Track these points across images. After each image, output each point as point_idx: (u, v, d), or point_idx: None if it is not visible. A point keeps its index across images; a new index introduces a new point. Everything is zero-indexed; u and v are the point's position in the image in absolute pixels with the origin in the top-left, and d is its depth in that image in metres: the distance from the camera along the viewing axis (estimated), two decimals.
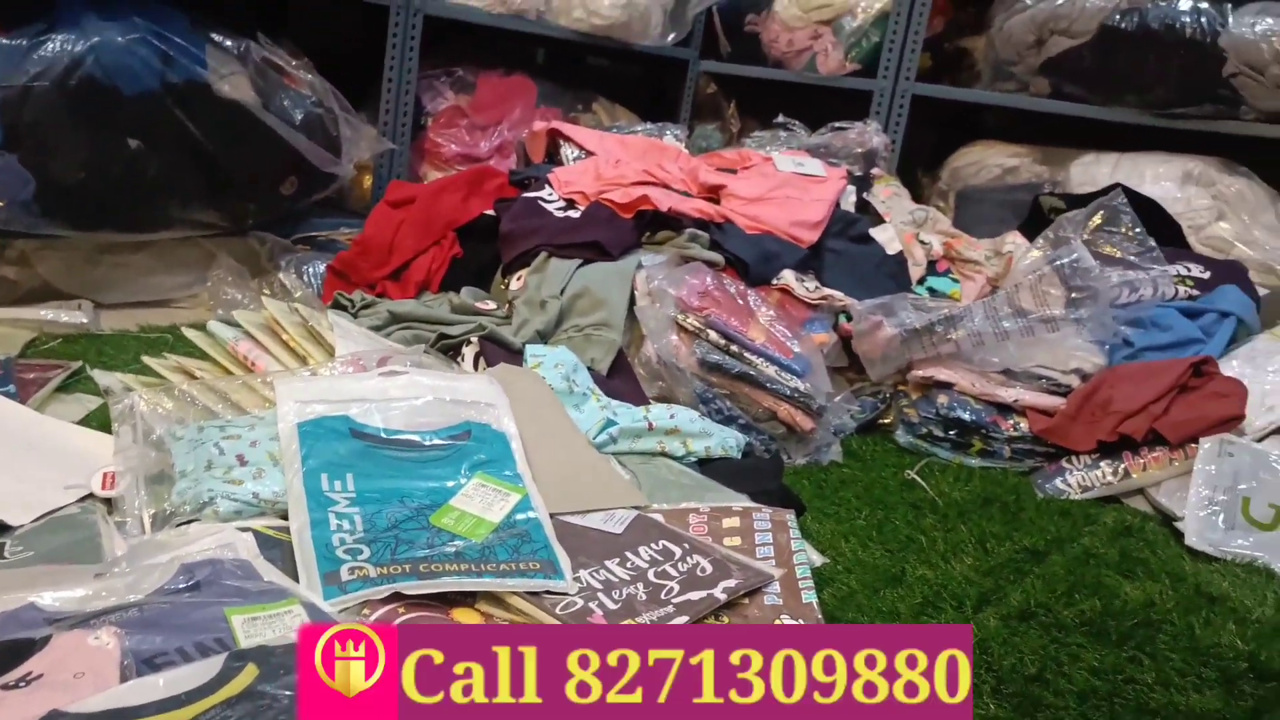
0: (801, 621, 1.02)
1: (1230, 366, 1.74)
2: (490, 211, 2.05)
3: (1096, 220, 1.99)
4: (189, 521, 1.05)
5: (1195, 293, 1.98)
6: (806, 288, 1.86)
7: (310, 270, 2.11)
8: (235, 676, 0.74)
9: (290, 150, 2.08)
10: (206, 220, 2.10)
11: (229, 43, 2.02)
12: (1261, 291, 2.08)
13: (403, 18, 2.48)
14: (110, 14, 1.86)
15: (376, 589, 0.93)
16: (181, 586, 0.88)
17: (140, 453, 1.17)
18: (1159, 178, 2.33)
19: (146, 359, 1.49)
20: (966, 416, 1.71)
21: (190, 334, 1.58)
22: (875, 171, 2.40)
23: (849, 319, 1.84)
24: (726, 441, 1.46)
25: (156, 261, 2.09)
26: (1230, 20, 2.19)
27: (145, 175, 1.93)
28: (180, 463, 1.13)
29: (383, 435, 1.17)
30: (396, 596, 0.93)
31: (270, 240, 2.20)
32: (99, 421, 1.36)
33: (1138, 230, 1.97)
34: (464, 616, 0.94)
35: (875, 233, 2.08)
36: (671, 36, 2.98)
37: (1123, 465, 1.60)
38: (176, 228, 2.07)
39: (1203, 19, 2.22)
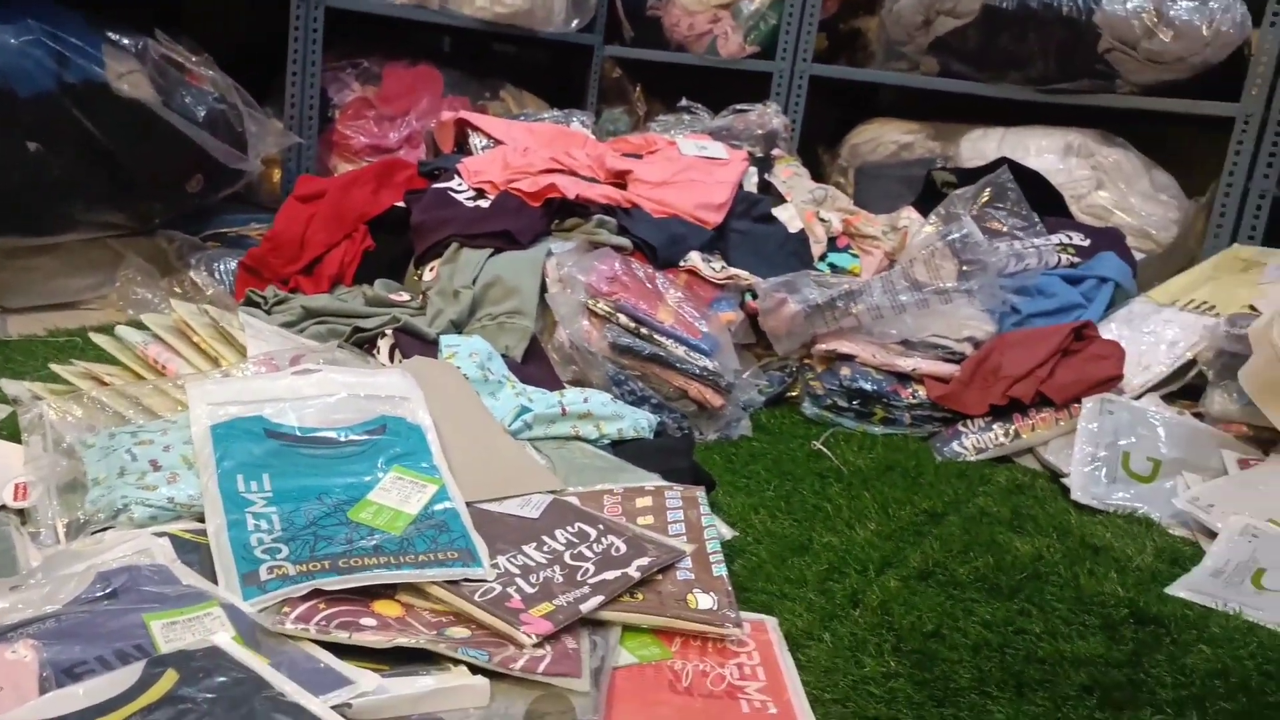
0: (713, 595, 1.06)
1: (1109, 329, 1.83)
2: (401, 203, 2.04)
3: (985, 197, 2.06)
4: (104, 529, 1.04)
5: (1076, 260, 2.06)
6: (713, 268, 1.90)
7: (221, 267, 2.08)
8: (155, 682, 0.73)
9: (194, 148, 2.06)
10: (112, 221, 2.07)
11: (126, 41, 1.99)
12: (1138, 256, 2.18)
13: (304, 10, 2.45)
14: (2, 16, 1.81)
15: (296, 587, 0.93)
16: (99, 595, 0.87)
17: (51, 462, 1.15)
18: (1042, 150, 2.42)
19: (55, 366, 1.46)
20: (868, 387, 1.78)
21: (99, 339, 1.54)
22: (776, 152, 2.45)
23: (755, 297, 1.89)
24: (639, 423, 1.49)
25: (63, 264, 2.05)
26: None
27: (46, 178, 1.89)
28: (92, 470, 1.12)
29: (298, 434, 1.16)
30: (316, 593, 0.93)
31: (179, 238, 2.17)
32: (9, 431, 1.34)
33: (1022, 206, 2.05)
34: (385, 609, 0.94)
35: (777, 212, 2.12)
36: (575, 23, 3.00)
37: (1013, 427, 1.68)
38: (81, 229, 2.04)
39: None
